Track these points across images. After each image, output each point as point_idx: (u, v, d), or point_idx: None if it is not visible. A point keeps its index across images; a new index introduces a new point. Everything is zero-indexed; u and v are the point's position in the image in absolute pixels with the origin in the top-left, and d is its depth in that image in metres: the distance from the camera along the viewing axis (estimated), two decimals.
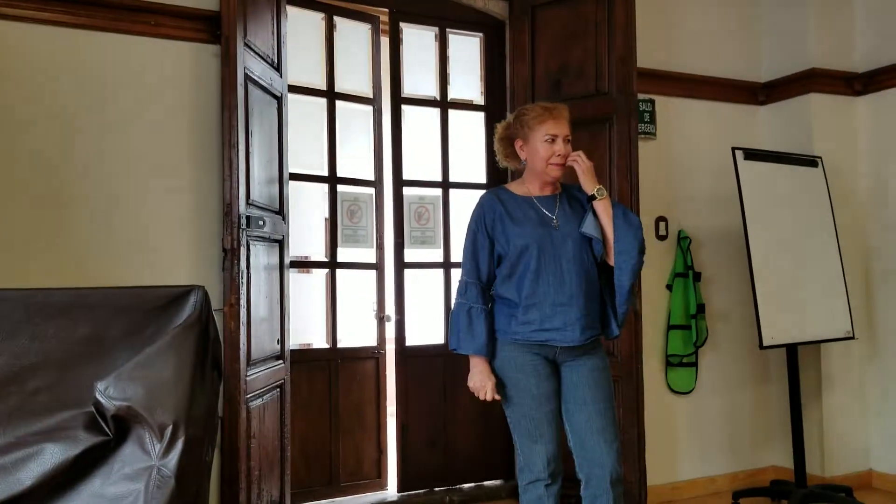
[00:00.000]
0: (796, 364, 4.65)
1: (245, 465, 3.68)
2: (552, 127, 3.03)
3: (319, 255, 4.76)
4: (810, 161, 4.89)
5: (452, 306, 3.12)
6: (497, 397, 3.00)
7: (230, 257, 3.66)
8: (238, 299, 3.65)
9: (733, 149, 4.60)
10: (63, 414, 1.98)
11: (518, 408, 3.00)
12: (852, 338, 4.77)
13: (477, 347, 2.99)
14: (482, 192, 4.98)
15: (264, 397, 3.92)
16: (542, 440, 2.98)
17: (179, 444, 1.90)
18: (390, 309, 4.85)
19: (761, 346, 4.45)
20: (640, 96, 4.72)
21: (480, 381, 3.00)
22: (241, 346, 3.65)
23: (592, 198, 3.05)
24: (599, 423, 3.00)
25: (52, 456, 1.89)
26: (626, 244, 3.00)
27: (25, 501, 1.87)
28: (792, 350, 4.64)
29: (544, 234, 3.00)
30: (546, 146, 3.02)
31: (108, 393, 1.93)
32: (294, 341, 4.42)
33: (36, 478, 1.87)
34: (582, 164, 3.06)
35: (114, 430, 1.94)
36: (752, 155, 4.69)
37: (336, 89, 4.77)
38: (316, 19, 4.71)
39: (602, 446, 2.99)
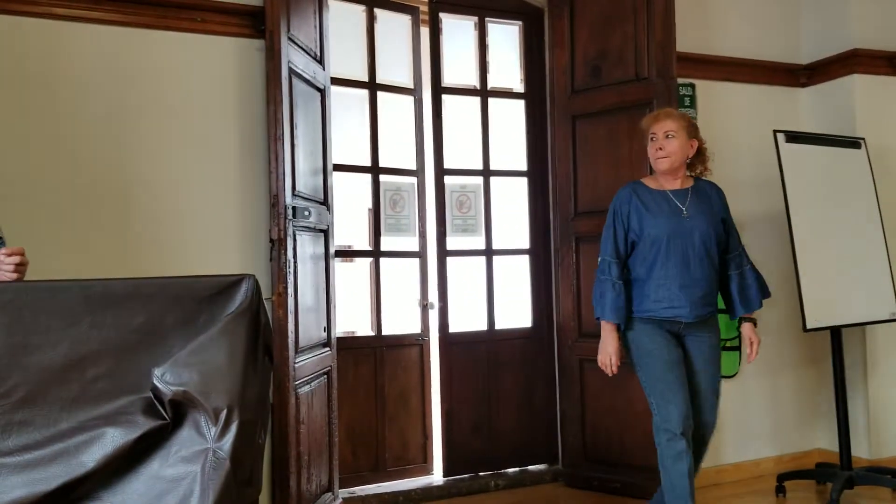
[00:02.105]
0: (840, 346, 4.62)
1: (295, 450, 3.77)
2: (653, 127, 3.56)
3: (363, 244, 4.83)
4: (853, 142, 4.85)
5: (595, 282, 3.63)
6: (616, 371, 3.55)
7: (277, 247, 3.74)
8: (286, 288, 3.73)
9: (775, 132, 4.57)
10: (122, 399, 2.04)
11: (652, 372, 3.48)
12: None
13: (610, 315, 3.51)
14: (523, 179, 5.08)
15: (312, 384, 4.00)
16: (676, 400, 3.41)
17: (234, 428, 1.95)
18: (433, 296, 4.91)
19: (805, 329, 4.43)
20: (680, 80, 4.71)
21: (607, 355, 3.54)
22: (290, 333, 3.73)
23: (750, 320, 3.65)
24: (709, 389, 3.52)
25: (112, 439, 1.96)
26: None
27: (89, 482, 1.94)
28: (836, 332, 4.61)
29: (675, 224, 3.47)
30: (651, 145, 3.56)
31: (165, 379, 1.99)
32: (340, 329, 4.49)
33: (98, 460, 1.94)
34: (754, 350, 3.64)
35: (171, 415, 2.00)
36: (794, 137, 4.66)
37: (377, 80, 4.82)
38: (357, 11, 4.77)
39: (706, 408, 3.52)
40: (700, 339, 3.53)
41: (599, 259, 3.63)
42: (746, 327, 3.63)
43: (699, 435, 3.52)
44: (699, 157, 3.65)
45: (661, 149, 3.52)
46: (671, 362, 3.46)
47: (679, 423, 3.39)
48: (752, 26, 5.20)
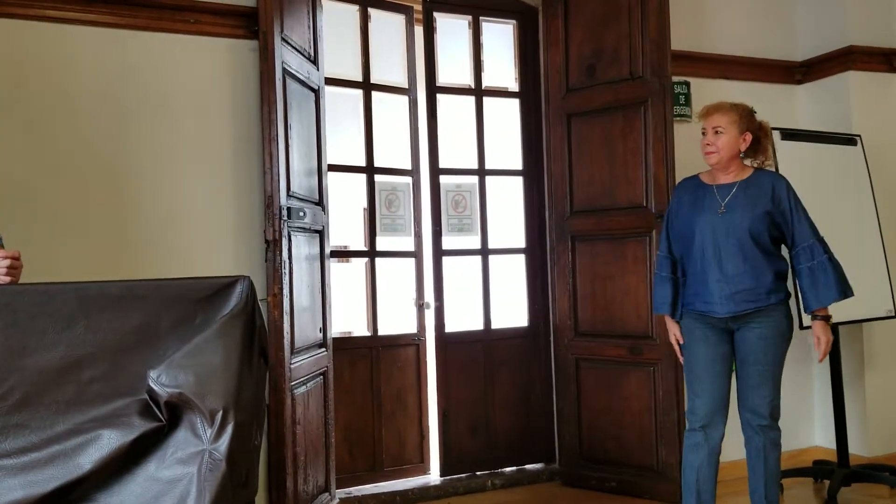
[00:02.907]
0: (837, 344, 4.62)
1: (291, 451, 3.77)
2: (703, 122, 3.57)
3: (359, 244, 4.83)
4: (849, 140, 4.85)
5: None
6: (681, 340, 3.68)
7: (272, 248, 3.74)
8: (281, 289, 3.72)
9: (770, 129, 4.57)
10: (118, 401, 2.05)
11: (688, 366, 3.63)
12: (894, 317, 4.73)
13: (661, 308, 3.71)
14: (518, 178, 5.08)
15: (308, 384, 4.00)
16: (702, 396, 3.53)
17: (229, 429, 1.95)
18: (429, 296, 4.91)
19: (801, 327, 4.43)
20: (675, 78, 4.71)
21: (672, 340, 3.72)
22: (285, 334, 3.73)
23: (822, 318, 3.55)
24: (756, 379, 3.52)
25: (109, 441, 1.96)
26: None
27: (85, 484, 1.94)
28: (833, 330, 4.59)
29: (709, 220, 3.50)
30: (702, 140, 3.56)
31: (161, 381, 1.99)
32: (336, 329, 4.49)
33: (95, 462, 1.94)
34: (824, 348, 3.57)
35: (167, 417, 2.00)
36: (790, 135, 4.66)
37: (372, 80, 4.82)
38: (351, 11, 4.76)
39: (755, 399, 3.54)
40: (748, 330, 3.50)
41: (657, 255, 3.82)
42: (816, 325, 3.52)
43: (754, 424, 3.58)
44: (757, 148, 3.59)
45: (709, 144, 3.52)
46: (707, 359, 3.54)
47: (701, 416, 3.54)
48: (748, 23, 5.20)
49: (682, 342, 3.66)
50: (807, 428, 5.24)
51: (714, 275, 3.47)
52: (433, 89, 4.88)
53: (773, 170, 3.64)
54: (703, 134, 3.55)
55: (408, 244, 4.96)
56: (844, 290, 3.47)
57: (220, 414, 1.96)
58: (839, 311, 4.55)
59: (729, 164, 3.53)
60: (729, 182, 3.55)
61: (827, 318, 3.50)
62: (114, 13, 3.78)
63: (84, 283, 2.20)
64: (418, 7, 4.93)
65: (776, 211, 3.47)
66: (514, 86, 5.16)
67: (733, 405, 3.65)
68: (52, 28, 3.68)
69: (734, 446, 4.97)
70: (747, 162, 3.62)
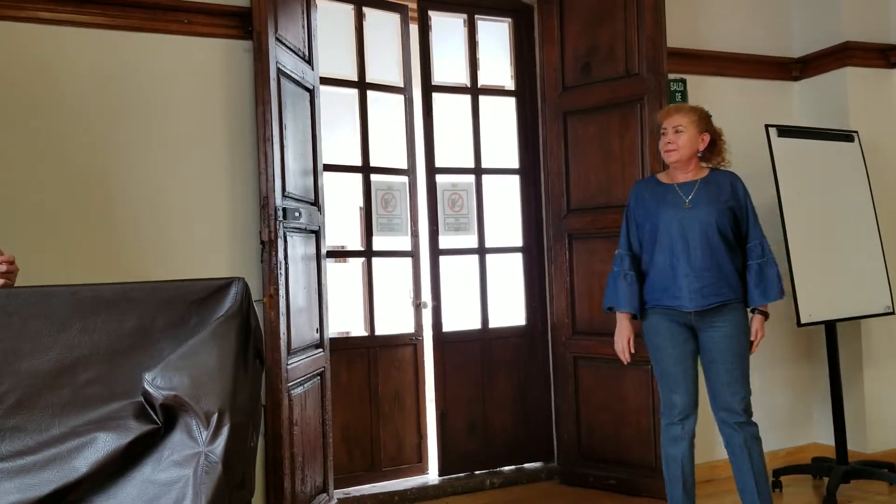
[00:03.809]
0: (835, 341, 4.63)
1: (288, 452, 3.76)
2: (664, 122, 3.65)
3: (355, 244, 4.83)
4: (846, 136, 4.85)
5: (608, 276, 3.81)
6: (629, 359, 3.74)
7: (268, 249, 3.73)
8: (277, 290, 3.71)
9: (766, 126, 4.57)
10: (113, 404, 2.04)
11: (658, 364, 3.66)
12: (892, 313, 4.73)
13: (623, 305, 3.68)
14: (515, 176, 5.08)
15: (305, 385, 3.99)
16: (678, 391, 3.58)
17: (225, 431, 1.94)
18: (426, 296, 4.90)
19: (799, 324, 4.44)
20: (671, 76, 4.70)
21: (621, 343, 3.73)
22: (282, 335, 3.72)
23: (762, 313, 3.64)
24: (727, 378, 3.54)
25: (105, 444, 1.95)
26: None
27: (81, 487, 1.93)
28: (831, 327, 4.62)
29: (675, 216, 3.56)
30: (661, 139, 3.65)
31: (156, 383, 1.98)
32: (333, 330, 4.48)
33: (91, 465, 1.93)
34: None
35: (162, 419, 1.99)
36: (786, 131, 4.66)
37: (367, 80, 4.81)
38: (345, 10, 4.75)
39: (728, 397, 3.54)
40: (713, 330, 3.56)
41: (615, 253, 3.80)
42: (756, 319, 3.63)
43: (730, 422, 3.56)
44: (714, 149, 3.70)
45: (670, 143, 3.61)
46: (676, 357, 3.59)
47: (680, 410, 3.58)
48: (743, 20, 5.20)
49: (633, 351, 3.74)
50: (806, 425, 5.25)
51: (683, 269, 3.53)
52: (429, 88, 4.87)
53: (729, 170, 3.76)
54: (664, 134, 3.64)
55: (404, 244, 4.95)
56: (782, 291, 3.62)
57: (216, 416, 1.95)
58: (837, 308, 4.57)
59: (688, 163, 3.63)
60: (689, 180, 3.64)
61: (767, 315, 3.64)
62: (107, 14, 3.76)
63: (78, 285, 2.19)
64: (413, 6, 4.92)
65: (737, 206, 3.61)
66: (510, 84, 5.15)
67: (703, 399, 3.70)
68: (45, 30, 3.67)
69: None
70: (703, 164, 3.72)
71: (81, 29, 3.74)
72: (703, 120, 3.66)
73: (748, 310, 3.64)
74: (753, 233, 3.63)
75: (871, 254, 4.73)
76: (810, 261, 4.51)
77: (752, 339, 3.61)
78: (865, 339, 4.99)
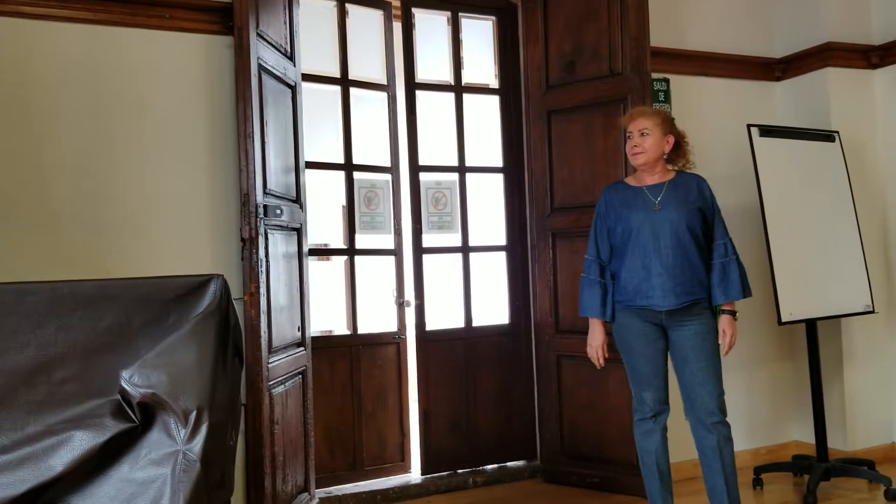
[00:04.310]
0: (816, 339, 4.64)
1: (269, 451, 3.74)
2: (629, 126, 3.70)
3: (338, 242, 4.80)
4: (827, 136, 4.87)
5: (580, 280, 3.83)
6: (602, 363, 3.80)
7: (249, 246, 3.71)
8: (258, 288, 3.69)
9: (748, 126, 4.58)
10: (90, 402, 2.03)
11: (630, 363, 3.70)
12: (872, 312, 4.76)
13: (594, 311, 3.73)
14: (499, 175, 5.07)
15: (287, 384, 3.97)
16: (650, 389, 3.66)
17: (203, 430, 1.94)
18: (410, 294, 4.88)
19: (780, 323, 4.45)
20: (655, 75, 4.71)
21: (593, 349, 3.78)
22: (262, 333, 3.70)
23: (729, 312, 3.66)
24: (700, 377, 3.58)
25: (81, 443, 1.94)
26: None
27: (57, 486, 1.92)
28: (811, 325, 4.64)
29: (646, 217, 3.61)
30: (628, 142, 3.70)
31: (133, 381, 1.97)
32: (315, 328, 4.46)
33: (66, 464, 1.92)
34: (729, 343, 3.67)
35: (140, 417, 1.98)
36: (768, 131, 4.67)
37: (350, 77, 4.79)
38: (328, 7, 4.73)
39: (704, 396, 3.57)
40: (684, 328, 3.60)
41: (584, 259, 3.81)
42: (723, 319, 3.66)
43: (707, 422, 3.57)
44: (678, 151, 3.74)
45: (636, 145, 3.65)
46: (648, 355, 3.65)
47: (650, 407, 3.67)
48: (727, 20, 5.21)
49: (606, 356, 3.79)
50: (786, 423, 5.27)
51: (656, 269, 3.57)
52: (412, 86, 4.86)
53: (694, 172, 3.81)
54: (629, 137, 3.68)
55: (388, 242, 4.94)
56: (746, 290, 3.64)
57: (194, 414, 1.95)
58: (818, 307, 4.59)
59: (655, 165, 3.68)
60: (656, 182, 3.69)
61: (734, 314, 3.67)
62: (88, 9, 3.73)
63: (56, 282, 2.17)
64: (397, 3, 4.91)
65: (706, 207, 3.68)
66: (493, 82, 5.14)
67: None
68: (26, 24, 3.64)
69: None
70: (668, 167, 3.76)
71: (63, 23, 3.71)
72: (667, 122, 3.70)
73: (716, 308, 3.69)
74: (718, 232, 3.68)
75: (852, 253, 4.75)
76: (791, 260, 4.53)
77: (719, 340, 3.64)
78: (846, 337, 5.02)
